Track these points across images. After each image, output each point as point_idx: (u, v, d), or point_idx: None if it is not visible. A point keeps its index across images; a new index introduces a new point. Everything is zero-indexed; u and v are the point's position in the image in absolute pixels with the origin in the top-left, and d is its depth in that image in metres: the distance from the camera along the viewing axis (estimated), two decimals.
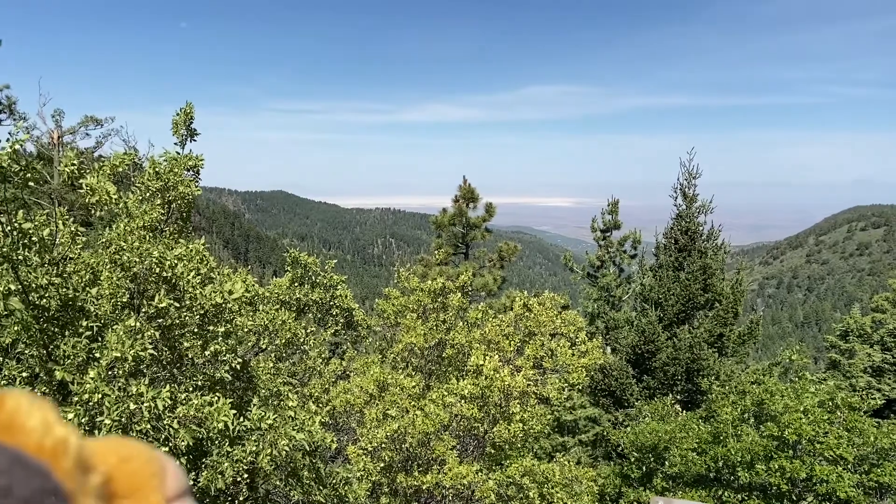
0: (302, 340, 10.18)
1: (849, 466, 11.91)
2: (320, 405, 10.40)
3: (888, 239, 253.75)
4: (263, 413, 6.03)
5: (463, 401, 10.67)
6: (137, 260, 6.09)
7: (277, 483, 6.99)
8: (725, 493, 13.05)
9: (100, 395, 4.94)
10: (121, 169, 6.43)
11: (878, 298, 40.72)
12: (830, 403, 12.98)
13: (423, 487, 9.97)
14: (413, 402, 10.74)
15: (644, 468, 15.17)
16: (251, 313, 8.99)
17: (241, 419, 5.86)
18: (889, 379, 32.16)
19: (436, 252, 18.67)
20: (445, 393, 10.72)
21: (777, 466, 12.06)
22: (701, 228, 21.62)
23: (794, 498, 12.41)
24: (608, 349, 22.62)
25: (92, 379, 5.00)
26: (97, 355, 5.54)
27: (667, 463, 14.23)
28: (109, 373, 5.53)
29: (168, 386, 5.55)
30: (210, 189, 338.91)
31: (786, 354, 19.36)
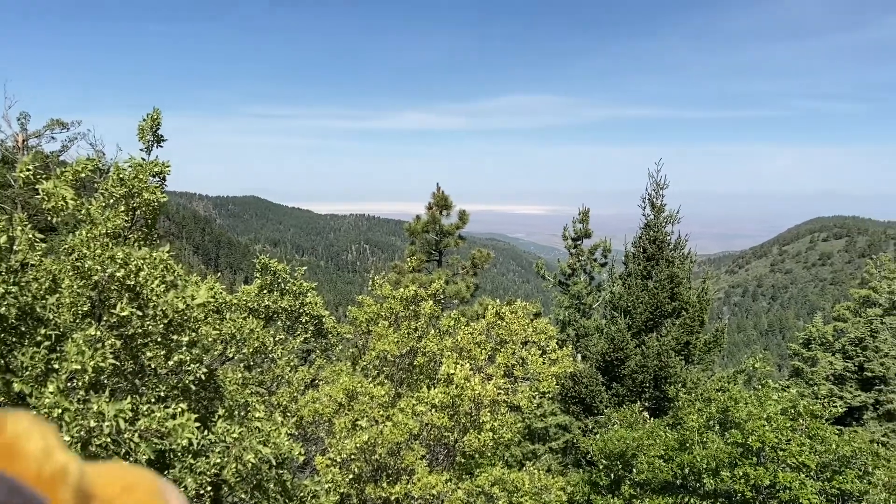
0: (270, 349, 10.01)
1: (811, 474, 12.05)
2: (288, 415, 10.23)
3: (849, 249, 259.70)
4: (229, 426, 5.89)
5: (433, 410, 10.58)
6: (100, 268, 5.92)
7: (243, 496, 6.84)
8: (692, 500, 13.12)
9: (59, 411, 4.77)
10: (83, 175, 6.25)
11: (839, 307, 41.59)
12: (793, 411, 13.13)
13: (392, 498, 9.85)
14: (383, 412, 10.63)
15: (612, 475, 15.21)
16: (218, 321, 8.81)
17: (206, 433, 5.71)
18: (850, 387, 32.79)
19: (409, 259, 18.60)
20: (416, 402, 10.63)
21: (741, 473, 12.16)
22: (669, 238, 21.86)
23: None
24: (579, 357, 22.70)
25: (51, 393, 4.82)
26: (56, 366, 5.36)
27: (634, 470, 14.28)
28: (69, 384, 5.35)
29: (129, 397, 5.39)
30: (180, 194, 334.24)
31: (750, 362, 19.61)
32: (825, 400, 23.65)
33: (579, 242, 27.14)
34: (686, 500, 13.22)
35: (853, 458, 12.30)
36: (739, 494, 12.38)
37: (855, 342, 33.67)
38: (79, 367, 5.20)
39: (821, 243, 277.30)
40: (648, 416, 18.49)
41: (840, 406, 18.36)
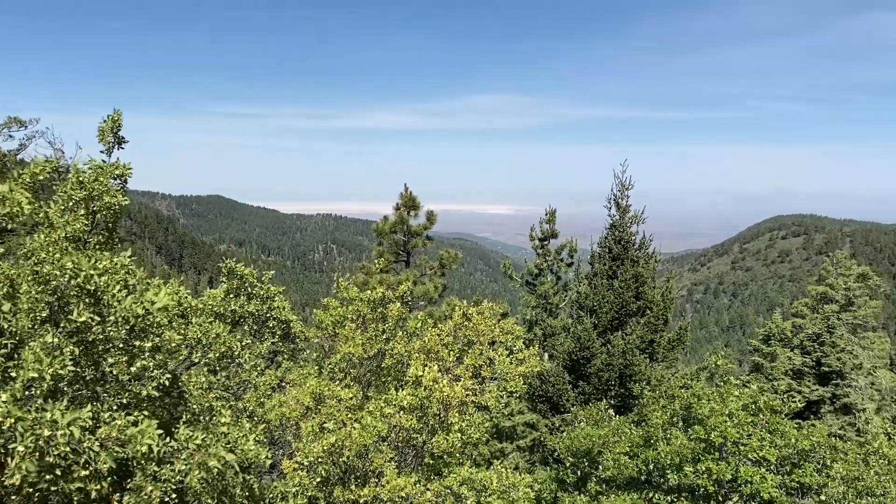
0: (237, 354, 9.88)
1: (771, 468, 12.31)
2: (255, 419, 10.11)
3: (807, 247, 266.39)
4: (192, 433, 5.79)
5: (402, 412, 10.56)
6: (59, 273, 5.77)
7: (209, 502, 6.73)
8: (656, 496, 13.31)
9: (12, 420, 4.64)
10: (41, 177, 6.08)
11: (797, 304, 42.66)
12: (754, 406, 13.40)
13: (361, 501, 9.80)
14: (351, 415, 10.57)
15: (579, 473, 15.37)
16: (183, 326, 8.66)
17: (168, 439, 5.60)
18: (808, 381, 33.68)
19: (377, 261, 18.51)
20: (384, 404, 10.59)
21: (704, 468, 12.37)
22: (633, 238, 22.15)
23: (721, 499, 12.76)
24: (545, 356, 22.88)
25: (4, 402, 4.68)
26: (13, 374, 5.21)
27: (600, 467, 14.44)
28: (26, 393, 5.21)
29: (90, 405, 5.26)
30: (142, 193, 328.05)
31: (712, 359, 20.00)
32: (785, 395, 24.21)
33: (546, 243, 27.35)
34: (650, 495, 13.41)
35: (812, 452, 12.60)
36: (702, 489, 12.60)
37: (813, 338, 34.58)
38: (36, 375, 5.06)
39: (780, 241, 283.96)
40: (614, 414, 18.72)
41: (799, 401, 18.79)
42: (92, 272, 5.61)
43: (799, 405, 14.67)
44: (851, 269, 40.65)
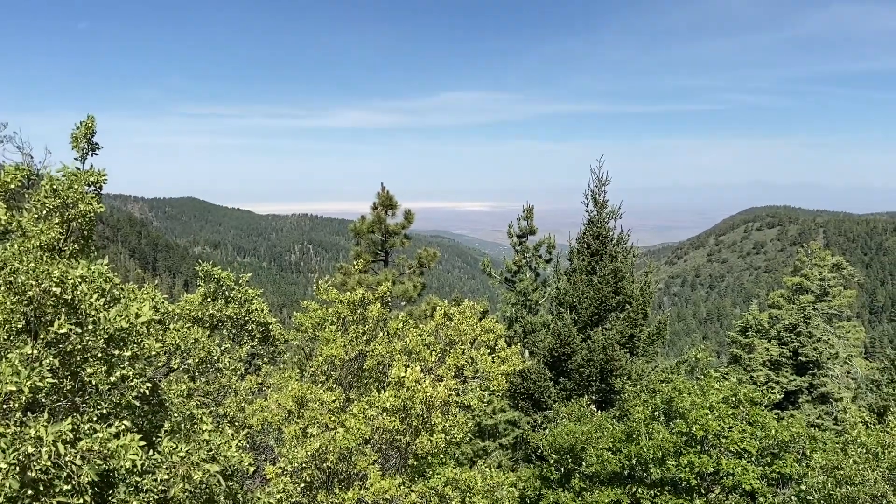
0: (216, 358, 9.82)
1: (752, 459, 12.53)
2: (236, 425, 10.05)
3: (782, 238, 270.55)
4: (175, 444, 5.74)
5: (384, 413, 10.57)
6: (34, 283, 5.69)
7: None
8: (639, 490, 13.48)
9: None
10: (13, 186, 5.98)
11: (773, 295, 43.38)
12: (734, 399, 13.61)
13: None
14: (334, 417, 10.56)
15: (562, 469, 15.48)
16: (161, 332, 8.59)
17: (151, 452, 5.56)
18: (786, 372, 34.22)
19: (356, 262, 18.46)
20: (367, 406, 10.60)
21: (686, 462, 12.55)
22: (611, 233, 22.31)
23: (703, 491, 12.95)
24: (526, 353, 22.99)
25: None
26: None
27: (584, 463, 14.57)
28: (4, 406, 5.13)
29: (70, 417, 5.20)
30: (115, 196, 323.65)
31: (692, 353, 20.26)
32: (763, 386, 24.60)
33: (524, 239, 27.47)
34: (634, 490, 13.57)
35: (792, 443, 12.85)
36: (685, 482, 12.78)
37: (789, 328, 35.15)
38: (14, 388, 4.99)
39: (755, 233, 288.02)
40: (596, 410, 18.89)
41: (777, 391, 19.19)
42: (70, 282, 5.54)
43: (778, 396, 14.94)
44: (826, 260, 41.43)
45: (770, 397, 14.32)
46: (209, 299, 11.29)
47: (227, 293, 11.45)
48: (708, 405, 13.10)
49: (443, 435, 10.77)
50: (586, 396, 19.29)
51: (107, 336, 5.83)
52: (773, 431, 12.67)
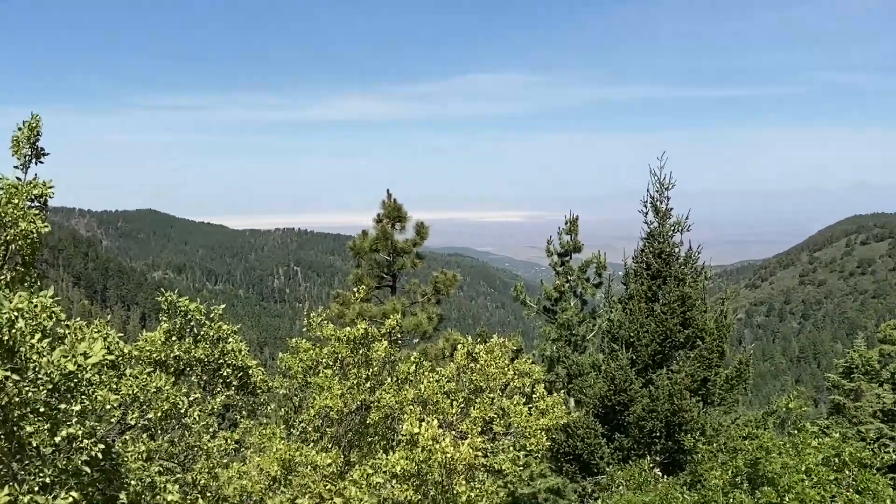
0: (183, 412, 9.89)
1: None
2: (208, 496, 10.10)
3: (893, 254, 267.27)
4: None
5: (394, 480, 10.57)
6: None
7: None
8: None
9: None
10: None
11: (885, 327, 42.76)
12: (837, 460, 13.44)
13: None
14: (330, 486, 10.57)
15: None
16: (115, 380, 8.68)
17: None
18: None
19: (357, 290, 18.55)
20: (371, 471, 10.60)
21: None
22: (677, 250, 22.21)
23: None
24: (571, 402, 22.88)
25: None
26: None
27: None
28: None
29: (6, 487, 5.26)
30: (55, 210, 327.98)
31: (782, 402, 20.02)
32: (874, 443, 24.24)
33: (567, 258, 27.45)
34: None
35: None
36: None
37: None
38: None
39: (859, 247, 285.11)
40: (661, 474, 18.71)
41: (893, 450, 18.78)
42: (4, 317, 5.63)
43: (893, 456, 14.70)
44: None
45: (883, 458, 14.12)
46: (174, 338, 11.39)
47: (196, 330, 11.55)
48: (804, 468, 12.95)
49: None
50: (648, 457, 19.14)
51: (51, 385, 5.90)
52: (889, 501, 12.48)
